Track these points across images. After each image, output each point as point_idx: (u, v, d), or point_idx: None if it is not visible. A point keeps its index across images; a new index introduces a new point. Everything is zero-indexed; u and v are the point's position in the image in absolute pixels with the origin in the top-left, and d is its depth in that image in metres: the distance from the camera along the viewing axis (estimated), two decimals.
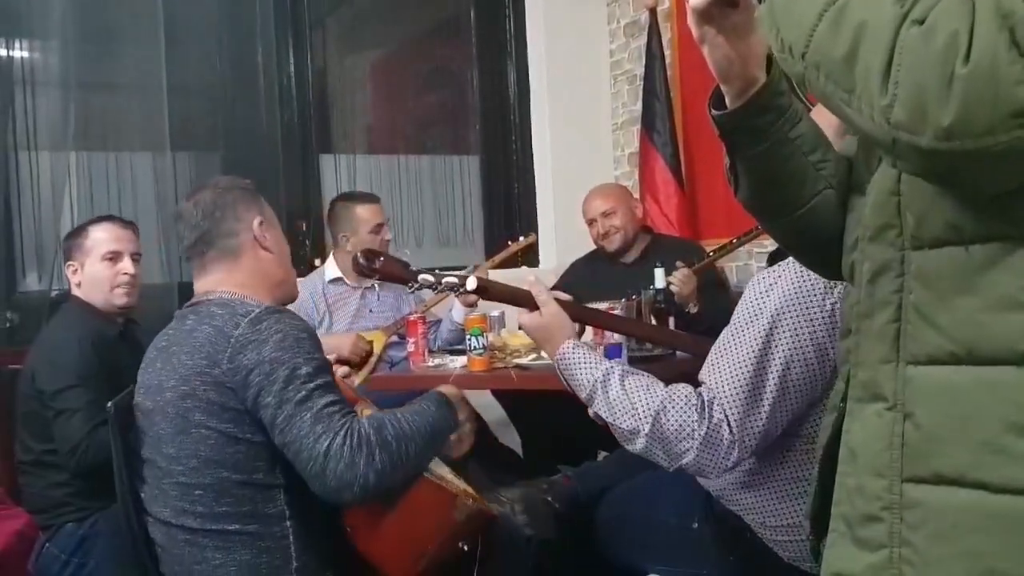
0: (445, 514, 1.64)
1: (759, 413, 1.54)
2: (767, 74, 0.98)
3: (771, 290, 1.57)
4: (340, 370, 2.28)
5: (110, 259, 2.42)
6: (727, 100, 1.01)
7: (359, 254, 1.82)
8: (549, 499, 2.11)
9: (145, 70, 3.38)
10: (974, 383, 0.80)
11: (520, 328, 1.86)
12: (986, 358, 0.80)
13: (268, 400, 1.50)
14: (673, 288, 2.88)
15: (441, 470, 1.75)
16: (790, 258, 1.54)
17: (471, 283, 1.80)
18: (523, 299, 1.77)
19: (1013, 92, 0.66)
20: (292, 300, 1.86)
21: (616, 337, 2.29)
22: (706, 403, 1.55)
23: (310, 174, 3.87)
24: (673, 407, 1.56)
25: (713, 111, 1.03)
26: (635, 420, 1.56)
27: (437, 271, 1.87)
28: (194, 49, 3.55)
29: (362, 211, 3.23)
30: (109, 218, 2.55)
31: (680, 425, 1.54)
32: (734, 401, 1.54)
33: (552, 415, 2.59)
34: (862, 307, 0.91)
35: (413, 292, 1.99)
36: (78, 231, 2.49)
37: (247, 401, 1.53)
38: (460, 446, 1.78)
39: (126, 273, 2.43)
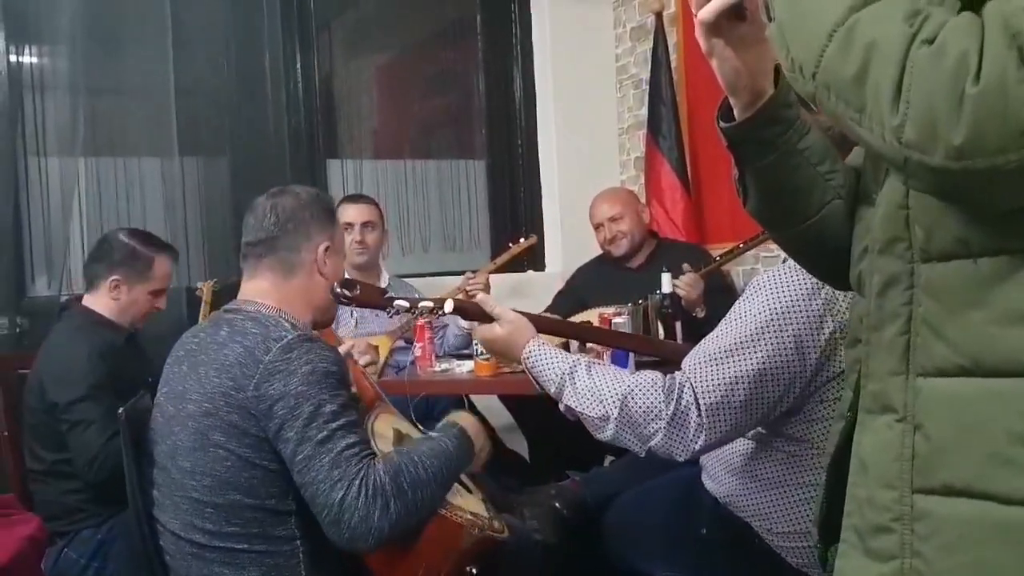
0: (452, 544, 1.63)
1: (732, 402, 1.54)
2: (775, 86, 0.99)
3: (762, 290, 1.59)
4: (363, 359, 2.26)
5: (157, 294, 2.49)
6: (735, 112, 1.01)
7: (336, 283, 1.82)
8: (557, 504, 2.12)
9: (153, 75, 3.40)
10: (982, 395, 0.81)
11: (479, 344, 1.86)
12: (994, 370, 0.80)
13: (289, 435, 1.49)
14: (680, 292, 2.88)
15: (453, 496, 1.73)
16: (787, 260, 1.56)
17: (448, 306, 1.81)
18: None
19: (1023, 110, 0.67)
20: (328, 324, 1.85)
21: None
22: (676, 386, 1.56)
23: (317, 179, 3.88)
24: (640, 390, 1.57)
25: (721, 123, 1.03)
26: (603, 407, 1.58)
27: (414, 297, 1.89)
28: (201, 54, 3.57)
29: (339, 209, 3.25)
30: (171, 249, 2.56)
31: (647, 407, 1.55)
32: (708, 387, 1.55)
33: (559, 420, 2.59)
34: (872, 319, 0.92)
35: (392, 317, 2.01)
36: (142, 254, 2.43)
37: (269, 431, 1.51)
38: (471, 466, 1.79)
39: (159, 308, 2.53)
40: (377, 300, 1.84)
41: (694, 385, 1.55)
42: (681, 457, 1.57)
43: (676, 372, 1.60)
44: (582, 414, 1.61)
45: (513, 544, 1.79)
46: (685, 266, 2.97)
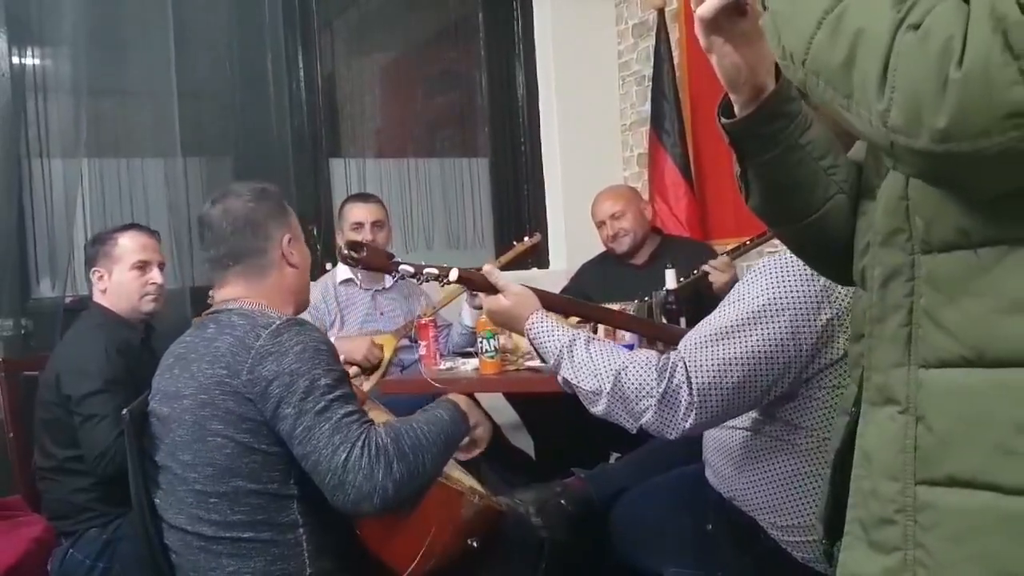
0: (452, 512, 1.66)
1: (724, 384, 1.55)
2: (776, 81, 0.98)
3: (761, 275, 1.60)
4: (350, 371, 2.30)
5: (139, 268, 2.47)
6: (736, 108, 1.01)
7: (343, 245, 1.86)
8: (563, 502, 2.12)
9: (155, 76, 3.40)
10: (986, 385, 0.80)
11: (485, 315, 1.90)
12: (997, 360, 0.80)
13: (287, 411, 1.51)
14: (712, 277, 2.91)
15: (451, 470, 1.77)
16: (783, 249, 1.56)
17: (453, 274, 1.84)
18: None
19: (1006, 94, 0.67)
20: (306, 307, 1.88)
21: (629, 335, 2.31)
22: (670, 365, 1.57)
23: (320, 178, 3.89)
24: (634, 367, 1.58)
25: (722, 119, 1.03)
26: (597, 380, 1.60)
27: (419, 263, 1.91)
28: (204, 55, 3.57)
29: (347, 208, 3.27)
30: (135, 226, 2.58)
31: (640, 384, 1.57)
32: (701, 367, 1.55)
33: (565, 417, 2.60)
34: (874, 312, 0.92)
35: (396, 281, 2.04)
36: (105, 238, 2.51)
37: (266, 412, 1.53)
38: (473, 448, 1.81)
39: (154, 283, 2.48)
40: (383, 263, 1.88)
41: (687, 364, 1.56)
42: (671, 435, 1.58)
43: (672, 352, 1.61)
44: (577, 387, 1.64)
45: (512, 522, 1.81)
46: (718, 250, 2.99)
